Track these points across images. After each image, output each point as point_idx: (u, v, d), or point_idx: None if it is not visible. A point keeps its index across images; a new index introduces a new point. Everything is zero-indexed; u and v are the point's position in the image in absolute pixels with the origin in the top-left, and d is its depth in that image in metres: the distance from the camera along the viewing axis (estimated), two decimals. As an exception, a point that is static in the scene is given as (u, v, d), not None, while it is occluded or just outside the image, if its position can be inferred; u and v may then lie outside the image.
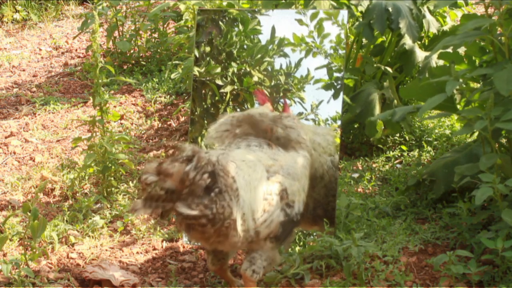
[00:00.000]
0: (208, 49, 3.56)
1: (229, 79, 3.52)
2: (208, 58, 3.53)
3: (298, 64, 3.48)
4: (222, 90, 3.52)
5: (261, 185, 2.74)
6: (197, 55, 3.56)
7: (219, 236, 2.62)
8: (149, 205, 2.55)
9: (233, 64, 3.55)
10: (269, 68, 3.52)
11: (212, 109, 3.53)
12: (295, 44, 3.47)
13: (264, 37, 3.55)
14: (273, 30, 3.52)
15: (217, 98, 3.52)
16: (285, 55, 3.51)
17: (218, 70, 3.51)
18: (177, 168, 2.52)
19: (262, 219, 2.71)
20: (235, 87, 3.51)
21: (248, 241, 2.72)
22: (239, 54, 3.54)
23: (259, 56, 3.53)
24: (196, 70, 3.54)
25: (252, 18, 3.57)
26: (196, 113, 3.52)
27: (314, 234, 3.33)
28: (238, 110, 3.49)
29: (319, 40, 3.47)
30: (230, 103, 3.53)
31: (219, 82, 3.51)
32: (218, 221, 2.55)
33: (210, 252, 2.91)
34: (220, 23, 3.57)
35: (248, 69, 3.52)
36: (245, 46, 3.55)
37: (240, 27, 3.56)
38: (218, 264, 2.92)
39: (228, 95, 3.52)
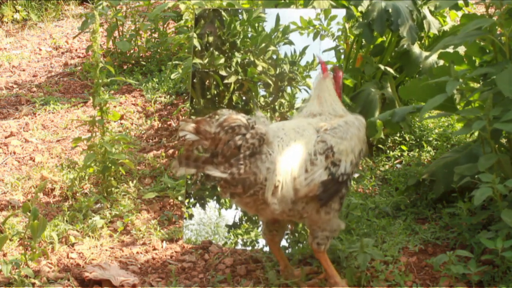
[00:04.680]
0: (211, 39, 3.52)
1: (232, 69, 3.50)
2: (211, 49, 3.49)
3: (302, 52, 3.46)
4: (226, 81, 3.49)
5: (306, 150, 2.73)
6: (198, 46, 3.52)
7: (257, 203, 2.63)
8: (189, 164, 2.55)
9: (237, 54, 3.52)
10: (274, 57, 3.50)
11: (216, 99, 3.51)
12: (302, 28, 3.45)
13: (268, 25, 3.52)
14: (278, 17, 3.49)
15: (221, 88, 3.49)
16: (290, 43, 3.48)
17: (222, 61, 3.49)
18: (214, 129, 2.54)
19: (302, 178, 2.69)
20: (239, 77, 3.49)
21: (289, 208, 2.70)
22: (243, 44, 3.52)
23: (263, 45, 3.50)
24: (198, 61, 3.51)
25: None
26: (194, 101, 3.49)
27: None
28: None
29: (326, 22, 3.45)
30: (235, 93, 3.51)
31: (222, 72, 3.49)
32: (249, 186, 2.57)
33: (264, 221, 2.95)
34: (223, 13, 3.54)
35: (252, 59, 3.50)
36: (249, 35, 3.53)
37: (244, 15, 3.53)
38: (269, 235, 2.95)
39: (232, 85, 3.49)
